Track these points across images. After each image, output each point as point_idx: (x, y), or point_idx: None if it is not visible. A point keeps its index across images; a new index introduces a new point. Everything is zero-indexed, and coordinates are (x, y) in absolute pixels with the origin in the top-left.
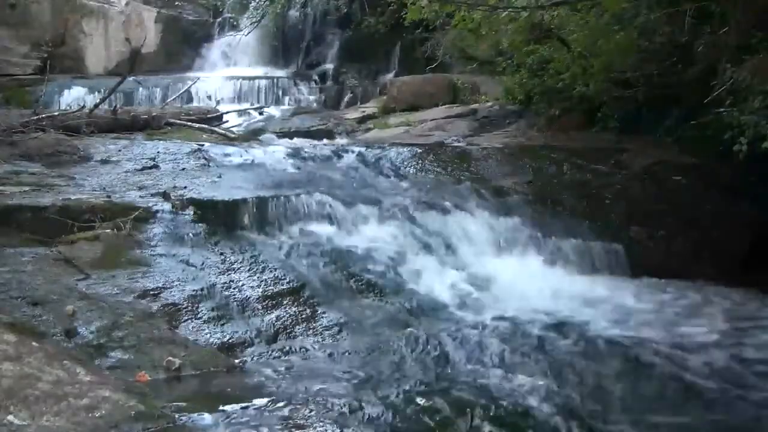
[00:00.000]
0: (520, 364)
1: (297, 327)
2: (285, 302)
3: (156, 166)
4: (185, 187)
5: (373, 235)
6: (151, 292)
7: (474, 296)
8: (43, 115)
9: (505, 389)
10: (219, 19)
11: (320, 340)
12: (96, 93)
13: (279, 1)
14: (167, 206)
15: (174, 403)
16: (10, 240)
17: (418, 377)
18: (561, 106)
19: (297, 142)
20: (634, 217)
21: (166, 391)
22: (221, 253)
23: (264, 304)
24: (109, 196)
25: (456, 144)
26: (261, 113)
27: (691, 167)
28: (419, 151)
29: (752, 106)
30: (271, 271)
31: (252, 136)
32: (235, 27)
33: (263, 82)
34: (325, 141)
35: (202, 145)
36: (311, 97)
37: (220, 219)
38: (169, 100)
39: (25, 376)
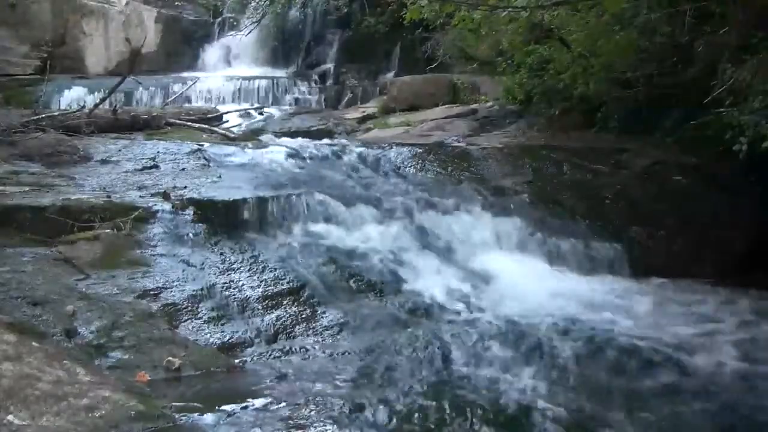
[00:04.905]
0: (520, 364)
1: (297, 327)
2: (285, 302)
3: (156, 166)
4: (185, 187)
5: (373, 235)
6: (151, 292)
7: (474, 296)
8: (43, 115)
9: (505, 389)
10: (219, 19)
11: (320, 340)
12: (96, 93)
13: (279, 1)
14: (167, 206)
15: (174, 403)
16: (10, 240)
17: (418, 377)
18: (561, 106)
19: (297, 142)
20: (634, 217)
21: (166, 391)
22: (221, 253)
23: (264, 304)
24: (109, 196)
25: (456, 144)
26: (261, 113)
27: (691, 167)
28: (419, 151)
29: (752, 106)
30: (271, 271)
31: (252, 136)
32: (235, 27)
33: (263, 82)
34: (325, 141)
35: (202, 145)
36: (311, 97)
37: (220, 219)
38: (169, 100)
39: (25, 376)
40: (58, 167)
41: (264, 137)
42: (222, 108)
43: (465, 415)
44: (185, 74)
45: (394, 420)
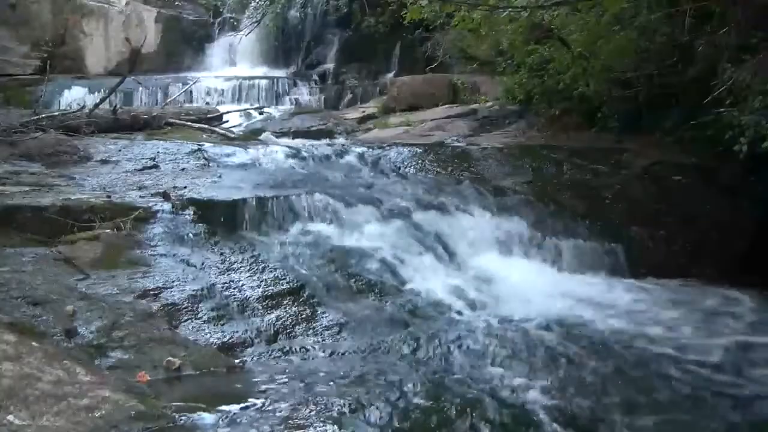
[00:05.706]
0: (520, 364)
1: (297, 327)
2: (285, 302)
3: (156, 166)
4: (185, 187)
5: (373, 235)
6: (151, 292)
7: (474, 296)
8: (43, 115)
9: (505, 389)
10: (219, 19)
11: (320, 340)
12: (96, 93)
13: (279, 1)
14: (167, 206)
15: (174, 403)
16: (10, 240)
17: (418, 377)
18: (561, 106)
19: (297, 142)
20: (634, 217)
21: (166, 391)
22: (221, 253)
23: (264, 304)
24: (109, 196)
25: (456, 144)
26: (261, 113)
27: (691, 167)
28: (419, 151)
29: (752, 106)
30: (271, 271)
31: (252, 136)
32: (235, 27)
33: (263, 82)
34: (325, 141)
35: (202, 145)
36: (311, 97)
37: (220, 219)
38: (169, 100)
39: (25, 376)
40: (58, 167)
41: (264, 137)
42: (222, 108)
43: (465, 415)
44: (185, 74)
45: (394, 420)
